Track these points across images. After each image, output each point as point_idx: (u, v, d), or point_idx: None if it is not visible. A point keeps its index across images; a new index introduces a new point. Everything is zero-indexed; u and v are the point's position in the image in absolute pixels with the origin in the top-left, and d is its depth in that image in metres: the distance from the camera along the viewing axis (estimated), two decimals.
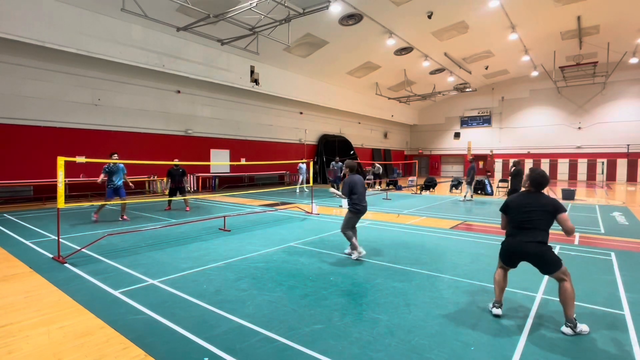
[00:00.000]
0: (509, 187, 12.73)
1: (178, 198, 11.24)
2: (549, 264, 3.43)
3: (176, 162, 10.77)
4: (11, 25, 11.05)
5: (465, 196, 14.45)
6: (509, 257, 3.66)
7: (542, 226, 3.46)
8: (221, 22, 13.05)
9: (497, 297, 3.73)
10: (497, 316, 3.68)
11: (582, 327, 3.35)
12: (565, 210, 3.43)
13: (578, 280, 4.79)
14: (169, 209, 11.41)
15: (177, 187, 11.01)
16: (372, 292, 4.33)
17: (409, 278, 4.86)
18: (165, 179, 10.80)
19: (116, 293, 4.23)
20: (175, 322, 3.47)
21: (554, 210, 3.43)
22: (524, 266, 5.40)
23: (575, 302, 3.38)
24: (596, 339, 3.22)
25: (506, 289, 4.45)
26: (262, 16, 12.61)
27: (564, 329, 3.36)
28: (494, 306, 3.73)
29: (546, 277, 4.91)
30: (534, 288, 4.49)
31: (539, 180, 3.58)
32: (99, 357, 2.88)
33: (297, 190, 17.60)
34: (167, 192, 11.37)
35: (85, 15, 12.55)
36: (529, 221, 3.48)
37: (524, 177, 3.79)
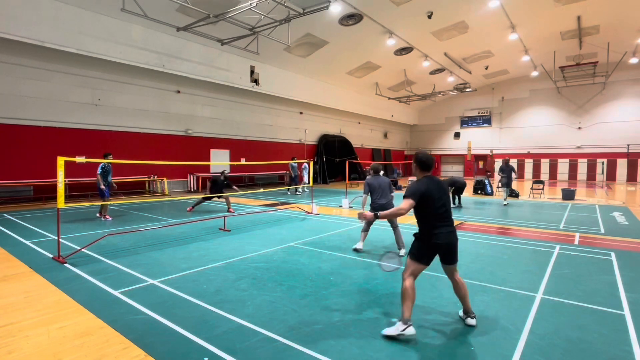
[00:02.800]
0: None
1: (221, 198, 11.04)
2: (456, 253, 3.39)
3: (225, 172, 11.07)
4: (11, 25, 11.04)
5: (505, 198, 13.39)
6: (435, 253, 3.36)
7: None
8: (221, 22, 13.04)
9: (406, 314, 3.20)
10: (411, 335, 3.16)
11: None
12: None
13: (578, 280, 4.80)
14: (192, 209, 11.05)
15: (214, 194, 10.78)
16: (372, 292, 4.34)
17: None
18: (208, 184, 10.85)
19: (116, 293, 4.23)
20: (175, 322, 3.47)
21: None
22: (524, 266, 5.41)
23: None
24: (596, 339, 3.22)
25: (506, 288, 4.45)
26: (262, 16, 12.61)
27: (470, 321, 3.42)
28: (408, 326, 3.16)
29: (546, 277, 4.91)
30: (534, 288, 4.49)
31: (430, 162, 3.42)
32: (99, 357, 2.88)
33: (298, 191, 17.56)
34: (201, 196, 11.38)
35: (85, 15, 12.55)
36: (446, 210, 3.34)
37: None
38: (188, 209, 11.07)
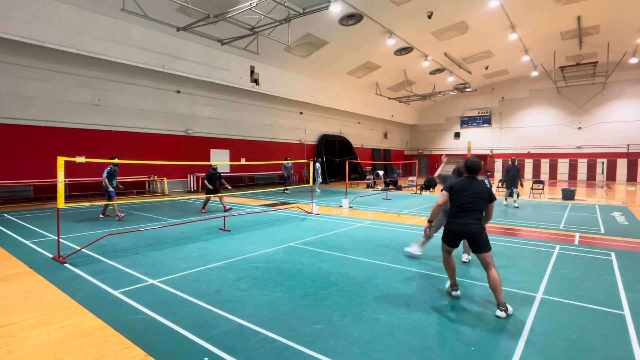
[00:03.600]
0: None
1: (215, 197, 11.28)
2: (478, 243, 3.84)
3: (215, 165, 11.08)
4: (11, 25, 11.04)
5: (515, 200, 12.62)
6: (456, 239, 4.03)
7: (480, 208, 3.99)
8: (221, 22, 13.05)
9: (453, 280, 4.19)
10: (457, 297, 4.15)
11: (510, 308, 3.72)
12: (495, 199, 4.08)
13: (578, 280, 4.80)
14: (205, 210, 11.06)
15: (216, 189, 10.92)
16: (372, 292, 4.33)
17: (409, 278, 4.86)
18: (206, 183, 10.83)
19: (116, 293, 4.23)
20: (175, 322, 3.47)
21: (489, 197, 4.08)
22: (524, 266, 5.41)
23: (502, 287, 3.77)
24: (596, 339, 3.22)
25: (506, 288, 4.46)
26: (262, 16, 12.61)
27: (499, 312, 3.66)
28: (453, 290, 4.18)
29: (546, 277, 4.92)
30: (534, 288, 4.49)
31: (475, 167, 4.14)
32: (99, 357, 2.88)
33: (286, 191, 17.54)
34: (204, 194, 11.40)
35: (85, 15, 12.55)
36: (471, 204, 3.95)
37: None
38: (202, 210, 11.05)
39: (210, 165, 11.22)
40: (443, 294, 4.26)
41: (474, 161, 4.19)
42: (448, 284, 4.27)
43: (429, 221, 4.39)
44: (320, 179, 18.40)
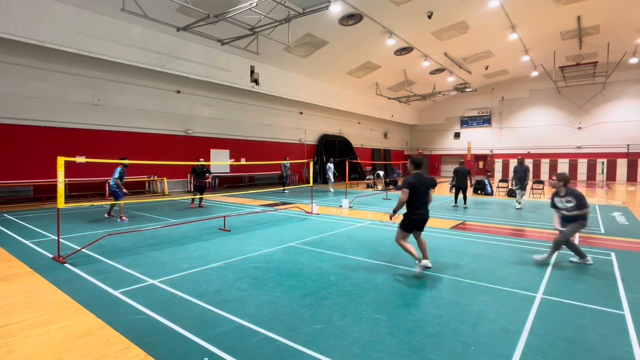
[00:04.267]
0: (454, 183, 12.56)
1: (197, 197, 11.96)
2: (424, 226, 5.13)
3: (201, 161, 11.60)
4: (11, 25, 11.04)
5: (519, 201, 12.44)
6: (416, 227, 5.08)
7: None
8: (221, 22, 13.04)
9: (417, 255, 4.96)
10: (427, 268, 4.98)
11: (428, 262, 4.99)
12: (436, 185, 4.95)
13: (578, 280, 4.80)
14: (194, 206, 11.93)
15: (201, 185, 11.71)
16: (372, 292, 4.33)
17: (409, 278, 4.86)
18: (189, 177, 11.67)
19: (116, 293, 4.23)
20: (175, 322, 3.47)
21: (433, 185, 5.17)
22: (524, 266, 5.41)
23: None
24: (596, 339, 3.22)
25: (506, 288, 4.46)
26: (262, 16, 12.60)
27: (427, 263, 4.97)
28: (420, 262, 4.93)
29: (546, 277, 4.92)
30: (533, 288, 4.49)
31: (420, 162, 5.20)
32: (99, 357, 2.88)
33: (285, 191, 17.57)
34: (192, 189, 12.19)
35: (85, 15, 12.55)
36: (425, 196, 5.05)
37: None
38: (191, 205, 11.94)
39: (198, 161, 11.79)
40: (442, 294, 4.26)
41: (418, 158, 5.22)
42: (417, 264, 4.99)
43: (394, 211, 5.04)
44: (332, 179, 18.26)
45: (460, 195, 12.39)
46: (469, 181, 12.25)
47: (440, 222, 9.40)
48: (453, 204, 12.75)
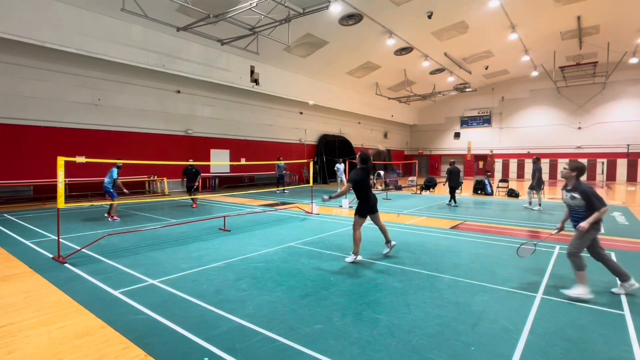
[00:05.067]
0: (448, 184, 12.87)
1: (188, 197, 12.07)
2: (377, 209, 5.88)
3: (191, 162, 11.64)
4: (11, 25, 11.04)
5: (531, 202, 12.13)
6: (370, 212, 5.78)
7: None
8: (221, 22, 13.04)
9: (358, 250, 5.61)
10: (359, 262, 5.56)
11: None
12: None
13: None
14: (195, 206, 12.07)
15: (191, 185, 11.86)
16: (372, 292, 4.33)
17: (409, 278, 4.86)
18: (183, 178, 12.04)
19: (116, 293, 4.23)
20: (175, 322, 3.47)
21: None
22: (524, 266, 5.41)
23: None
24: (596, 339, 3.22)
25: (506, 288, 4.47)
26: (262, 16, 12.61)
27: (391, 244, 5.97)
28: (357, 255, 5.60)
29: (546, 277, 4.92)
30: (533, 288, 4.49)
31: (366, 157, 5.72)
32: (99, 357, 2.88)
33: (285, 191, 17.46)
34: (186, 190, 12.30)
35: (85, 15, 12.55)
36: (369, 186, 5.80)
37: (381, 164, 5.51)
38: (193, 205, 12.05)
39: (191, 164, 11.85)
40: (442, 294, 4.25)
41: (365, 153, 5.76)
42: (353, 256, 5.60)
43: (330, 197, 5.80)
44: (344, 180, 17.61)
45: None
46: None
47: (440, 222, 9.40)
48: (453, 204, 12.89)
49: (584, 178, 4.58)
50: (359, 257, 5.60)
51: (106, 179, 9.43)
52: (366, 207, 5.72)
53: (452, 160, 13.84)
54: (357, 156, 5.80)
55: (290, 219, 9.75)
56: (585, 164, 28.27)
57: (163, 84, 16.91)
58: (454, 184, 12.74)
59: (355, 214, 5.73)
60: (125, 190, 9.64)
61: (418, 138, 38.71)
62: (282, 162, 16.33)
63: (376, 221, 5.92)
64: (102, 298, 4.09)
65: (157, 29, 14.30)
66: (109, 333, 3.27)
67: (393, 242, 5.96)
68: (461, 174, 12.76)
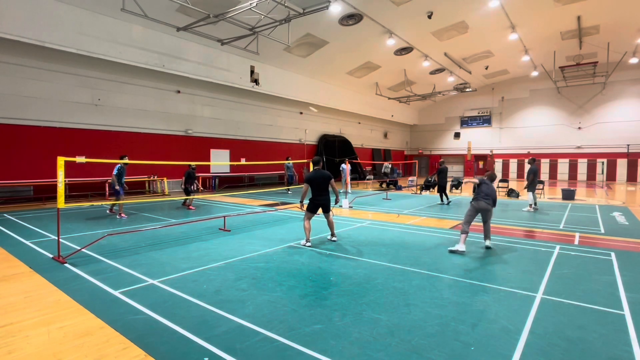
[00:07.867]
0: (437, 183, 13.40)
1: (183, 198, 11.99)
2: (328, 209, 6.81)
3: (193, 164, 11.59)
4: (11, 25, 11.04)
5: (535, 203, 11.87)
6: (317, 208, 6.72)
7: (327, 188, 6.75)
8: (221, 22, 13.04)
9: (308, 237, 6.67)
10: (311, 246, 6.45)
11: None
12: (332, 178, 6.69)
13: (578, 280, 4.80)
14: (194, 208, 11.81)
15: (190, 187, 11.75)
16: (372, 292, 4.33)
17: (409, 278, 4.86)
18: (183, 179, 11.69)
19: (116, 293, 4.23)
20: (175, 322, 3.47)
21: (328, 178, 6.65)
22: (524, 266, 5.41)
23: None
24: (596, 339, 3.22)
25: (506, 288, 4.47)
26: (262, 16, 12.60)
27: (334, 238, 6.96)
28: (307, 242, 6.63)
29: (546, 277, 4.92)
30: (534, 288, 4.49)
31: (317, 161, 6.87)
32: (99, 357, 2.88)
33: (289, 191, 17.51)
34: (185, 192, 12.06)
35: (85, 15, 12.55)
36: (320, 186, 6.63)
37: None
38: (192, 208, 11.72)
39: (189, 165, 11.65)
40: (442, 294, 4.26)
41: (316, 157, 6.94)
42: (305, 241, 6.66)
43: (301, 202, 6.81)
44: (349, 179, 17.47)
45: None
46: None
47: (441, 222, 9.40)
48: (446, 201, 13.12)
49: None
50: (309, 244, 6.60)
51: (114, 172, 9.63)
52: (311, 204, 6.69)
53: (442, 160, 14.15)
54: (311, 161, 7.01)
55: (290, 219, 9.75)
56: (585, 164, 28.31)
57: (163, 84, 16.90)
58: (443, 183, 13.15)
59: (306, 209, 6.79)
60: (117, 187, 9.56)
61: (418, 138, 38.71)
62: (290, 162, 16.26)
63: (326, 217, 6.91)
64: (102, 298, 4.09)
65: (157, 29, 14.30)
66: (109, 333, 3.27)
67: (334, 239, 6.96)
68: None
